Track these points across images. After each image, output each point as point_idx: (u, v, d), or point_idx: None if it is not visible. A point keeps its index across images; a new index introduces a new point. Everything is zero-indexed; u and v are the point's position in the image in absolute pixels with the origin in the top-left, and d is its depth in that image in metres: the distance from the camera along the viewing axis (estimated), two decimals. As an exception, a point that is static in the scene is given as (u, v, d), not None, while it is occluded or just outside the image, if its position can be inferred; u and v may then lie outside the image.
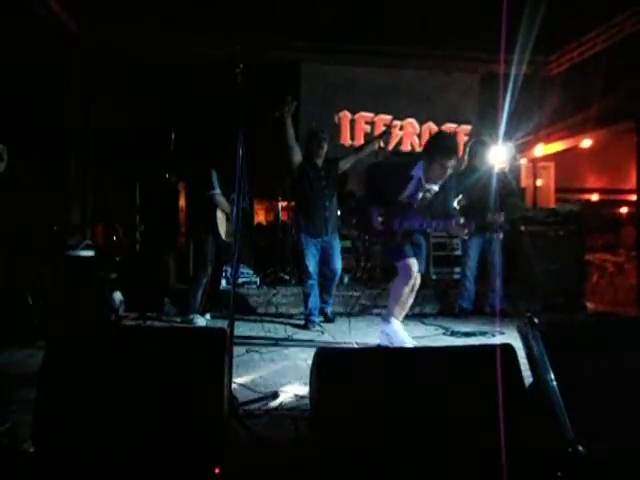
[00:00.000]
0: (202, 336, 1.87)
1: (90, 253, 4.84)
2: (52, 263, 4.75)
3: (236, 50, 2.41)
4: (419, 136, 7.59)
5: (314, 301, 4.65)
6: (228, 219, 4.76)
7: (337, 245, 4.74)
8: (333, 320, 4.84)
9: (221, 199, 4.70)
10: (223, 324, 4.48)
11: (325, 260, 4.66)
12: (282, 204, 6.53)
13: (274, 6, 5.72)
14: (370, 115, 7.45)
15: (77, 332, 1.89)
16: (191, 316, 4.70)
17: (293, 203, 4.83)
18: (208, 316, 4.82)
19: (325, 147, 4.64)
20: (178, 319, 4.89)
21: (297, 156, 4.56)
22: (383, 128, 7.16)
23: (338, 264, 4.73)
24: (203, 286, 4.73)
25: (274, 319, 5.07)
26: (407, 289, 3.69)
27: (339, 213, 5.17)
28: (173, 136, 6.59)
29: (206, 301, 4.81)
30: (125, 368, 1.71)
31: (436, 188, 3.68)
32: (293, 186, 4.82)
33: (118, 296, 4.87)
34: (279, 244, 6.21)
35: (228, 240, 4.70)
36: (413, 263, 3.67)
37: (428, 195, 3.69)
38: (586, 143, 7.89)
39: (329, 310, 4.88)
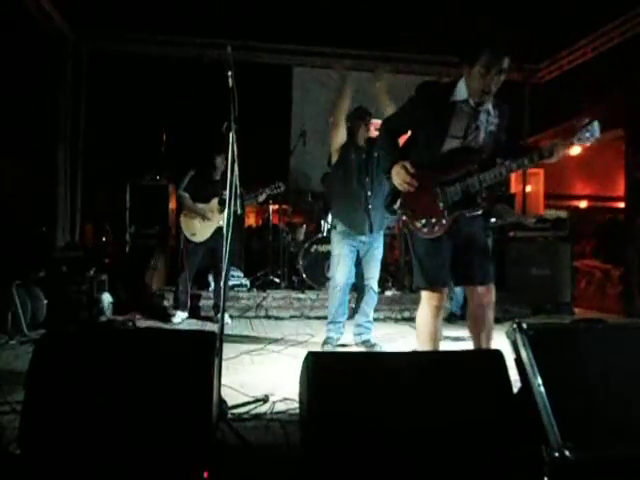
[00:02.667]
0: (191, 338, 1.86)
1: (79, 254, 4.82)
2: (40, 263, 4.72)
3: (228, 53, 2.40)
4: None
5: (339, 313, 3.79)
6: (204, 219, 4.81)
7: (379, 250, 3.79)
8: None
9: (184, 200, 4.86)
10: (213, 327, 4.48)
11: (362, 269, 3.81)
12: (273, 207, 6.54)
13: (266, 9, 5.73)
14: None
15: (65, 334, 1.88)
16: (173, 312, 4.89)
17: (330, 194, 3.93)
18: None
19: (371, 127, 3.79)
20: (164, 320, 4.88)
21: (339, 137, 3.75)
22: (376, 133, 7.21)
23: (373, 273, 3.79)
24: (183, 286, 4.88)
25: (264, 322, 5.07)
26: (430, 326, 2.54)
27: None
28: (164, 137, 6.59)
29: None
30: (113, 370, 1.70)
31: (494, 119, 2.45)
32: (331, 173, 3.98)
33: (107, 297, 4.84)
34: (270, 247, 6.21)
35: (200, 240, 4.82)
36: (434, 296, 2.49)
37: (481, 132, 2.43)
38: (575, 150, 7.95)
39: (367, 337, 3.86)
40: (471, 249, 2.51)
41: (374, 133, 3.79)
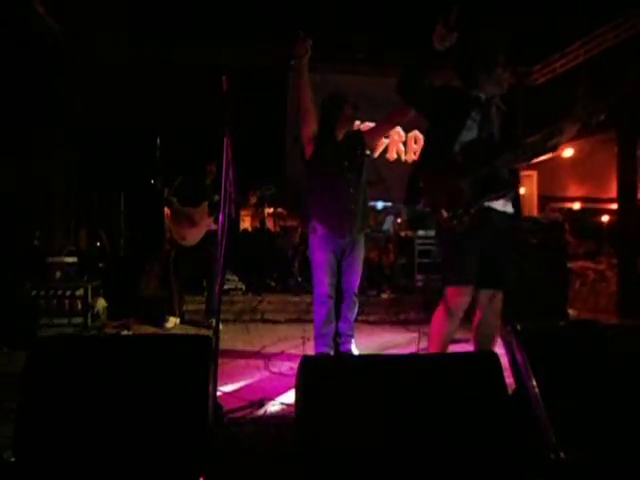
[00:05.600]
0: (187, 344, 1.85)
1: (73, 259, 4.80)
2: (34, 269, 4.70)
3: (223, 58, 2.41)
4: (405, 144, 7.65)
5: (326, 324, 3.40)
6: (193, 223, 4.81)
7: (360, 252, 3.47)
8: None
9: (173, 204, 4.89)
10: (206, 332, 4.47)
11: (342, 274, 3.44)
12: (268, 210, 6.53)
13: (261, 14, 5.74)
14: (356, 123, 7.47)
15: (60, 340, 1.88)
16: (166, 317, 4.85)
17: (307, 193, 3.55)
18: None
19: (354, 117, 3.49)
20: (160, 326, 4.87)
21: (312, 125, 3.35)
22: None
23: (355, 277, 3.46)
24: (176, 291, 4.90)
25: (260, 326, 5.06)
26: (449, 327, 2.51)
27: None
28: (159, 142, 6.57)
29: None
30: (108, 376, 1.69)
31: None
32: (305, 169, 3.50)
33: (101, 303, 4.82)
34: (265, 250, 6.20)
35: (190, 245, 4.83)
36: (462, 294, 2.46)
37: (494, 126, 2.51)
38: (568, 152, 8.02)
39: (349, 346, 3.52)
40: (498, 250, 2.48)
41: (357, 125, 3.65)
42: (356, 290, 3.51)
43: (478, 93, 2.49)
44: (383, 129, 3.79)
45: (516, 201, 2.56)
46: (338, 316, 3.49)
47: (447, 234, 2.49)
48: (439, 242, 2.63)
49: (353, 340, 3.57)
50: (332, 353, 3.44)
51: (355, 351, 3.59)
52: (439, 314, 2.52)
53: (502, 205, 2.49)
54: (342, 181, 3.32)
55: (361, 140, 3.48)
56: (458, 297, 2.44)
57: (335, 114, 3.38)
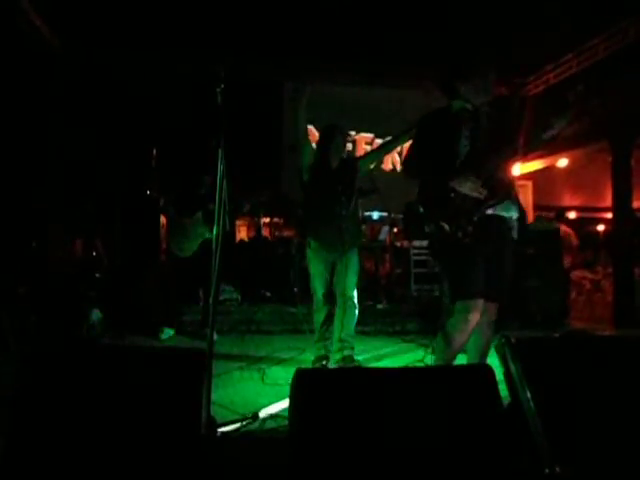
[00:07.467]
0: (180, 357, 1.84)
1: (69, 269, 4.78)
2: (29, 278, 4.68)
3: (219, 69, 2.41)
4: (400, 154, 7.67)
5: (325, 329, 3.74)
6: (189, 233, 4.81)
7: (354, 265, 3.73)
8: None
9: (169, 214, 4.94)
10: (201, 343, 4.44)
11: (335, 281, 3.74)
12: (264, 220, 6.54)
13: (257, 25, 5.78)
14: (352, 133, 7.52)
15: (53, 351, 1.86)
16: (161, 328, 4.84)
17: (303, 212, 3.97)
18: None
19: (345, 146, 3.92)
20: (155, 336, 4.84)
21: (306, 156, 3.75)
22: (365, 147, 7.25)
23: (351, 283, 3.71)
24: (171, 301, 4.94)
25: (255, 337, 5.03)
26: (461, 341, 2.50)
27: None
28: (155, 152, 6.58)
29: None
30: (100, 389, 1.68)
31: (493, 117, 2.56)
32: (303, 192, 3.88)
33: (97, 314, 4.80)
34: (261, 261, 6.20)
35: (187, 255, 4.81)
36: (476, 307, 2.43)
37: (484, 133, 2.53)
38: (562, 162, 8.07)
39: (349, 353, 3.69)
40: (499, 262, 2.48)
41: (361, 150, 3.89)
42: (354, 298, 3.72)
43: (464, 104, 2.53)
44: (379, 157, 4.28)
45: (520, 207, 2.58)
46: (337, 323, 3.70)
47: (453, 248, 2.47)
48: (442, 258, 2.64)
49: (353, 348, 3.72)
50: (329, 357, 3.71)
51: (355, 357, 3.73)
52: (451, 330, 2.47)
53: (505, 211, 2.51)
54: (334, 204, 3.62)
55: (354, 166, 3.81)
56: (471, 311, 2.40)
57: (327, 145, 3.74)
